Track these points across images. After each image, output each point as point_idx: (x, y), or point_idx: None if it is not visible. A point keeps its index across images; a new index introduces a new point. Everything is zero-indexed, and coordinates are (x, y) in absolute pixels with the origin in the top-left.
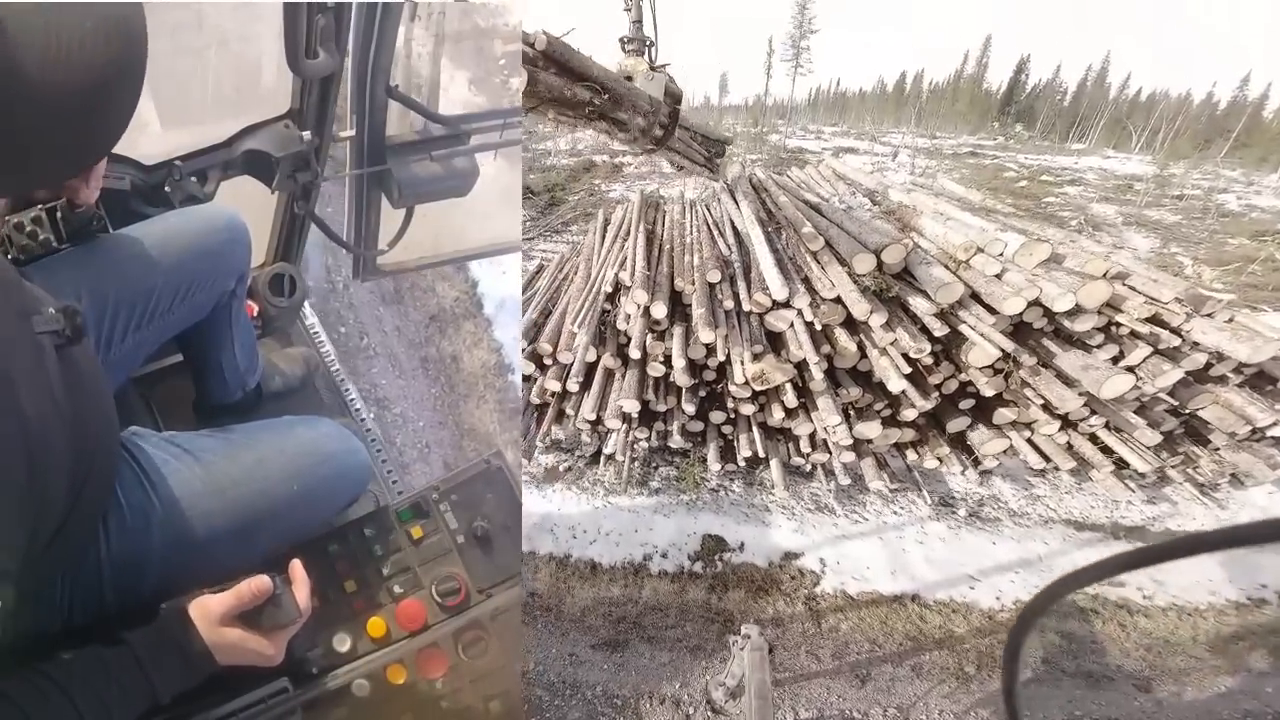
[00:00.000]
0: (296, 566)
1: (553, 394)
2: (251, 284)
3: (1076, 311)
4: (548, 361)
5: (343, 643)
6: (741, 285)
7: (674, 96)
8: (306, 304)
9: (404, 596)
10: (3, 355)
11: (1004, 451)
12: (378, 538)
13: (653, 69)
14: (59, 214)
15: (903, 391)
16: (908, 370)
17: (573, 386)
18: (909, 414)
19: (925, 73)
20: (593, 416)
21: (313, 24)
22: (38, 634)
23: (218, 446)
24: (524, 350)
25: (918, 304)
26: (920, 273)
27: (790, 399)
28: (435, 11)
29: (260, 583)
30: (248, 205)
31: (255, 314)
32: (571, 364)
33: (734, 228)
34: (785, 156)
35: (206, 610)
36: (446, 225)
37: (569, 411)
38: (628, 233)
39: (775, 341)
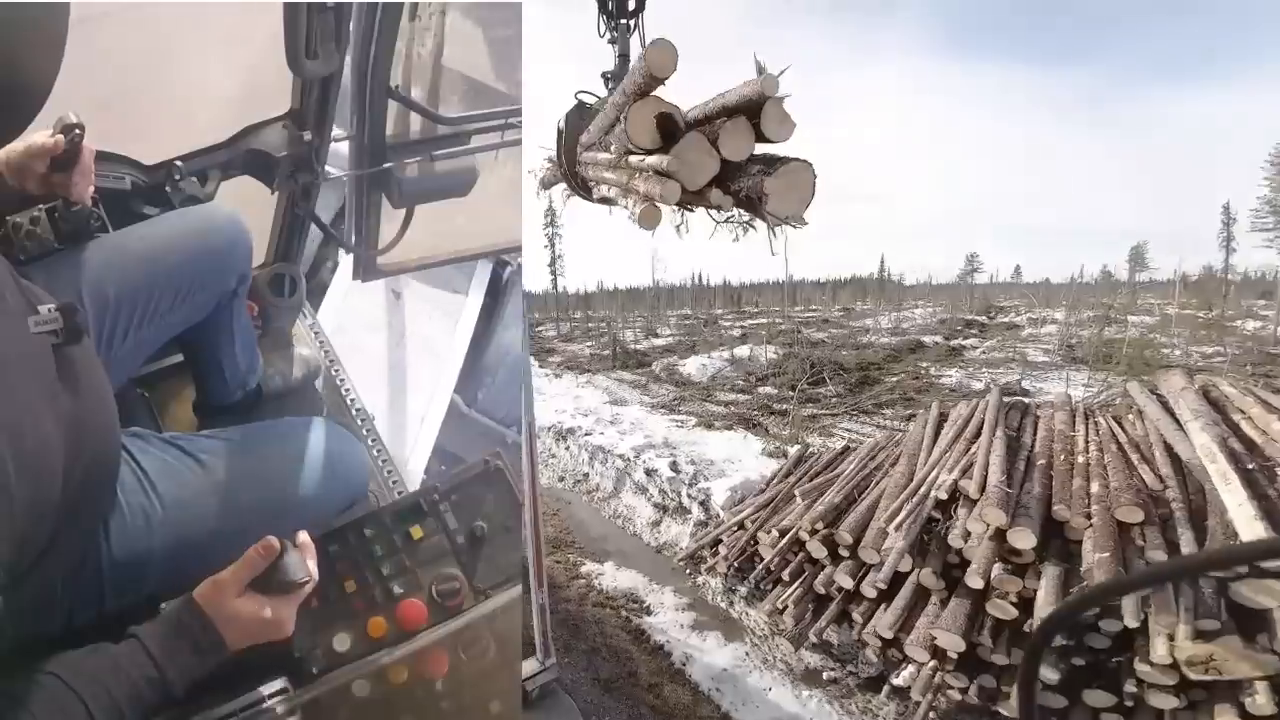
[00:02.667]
0: (302, 534)
1: (839, 588)
2: (252, 284)
3: None
4: (843, 552)
5: (343, 643)
6: (1186, 534)
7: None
8: (306, 304)
9: (404, 597)
10: None
11: None
12: (378, 538)
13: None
14: (57, 214)
15: None
16: None
17: (869, 591)
18: None
19: None
20: (889, 635)
21: (313, 24)
22: (39, 635)
23: (218, 448)
24: (819, 532)
25: None
26: None
27: (1263, 702)
28: (435, 11)
29: (267, 543)
30: (248, 205)
31: (255, 314)
32: (874, 567)
33: (1169, 453)
34: (1277, 353)
35: (219, 585)
36: (446, 225)
37: (856, 616)
38: (976, 433)
39: (1245, 620)
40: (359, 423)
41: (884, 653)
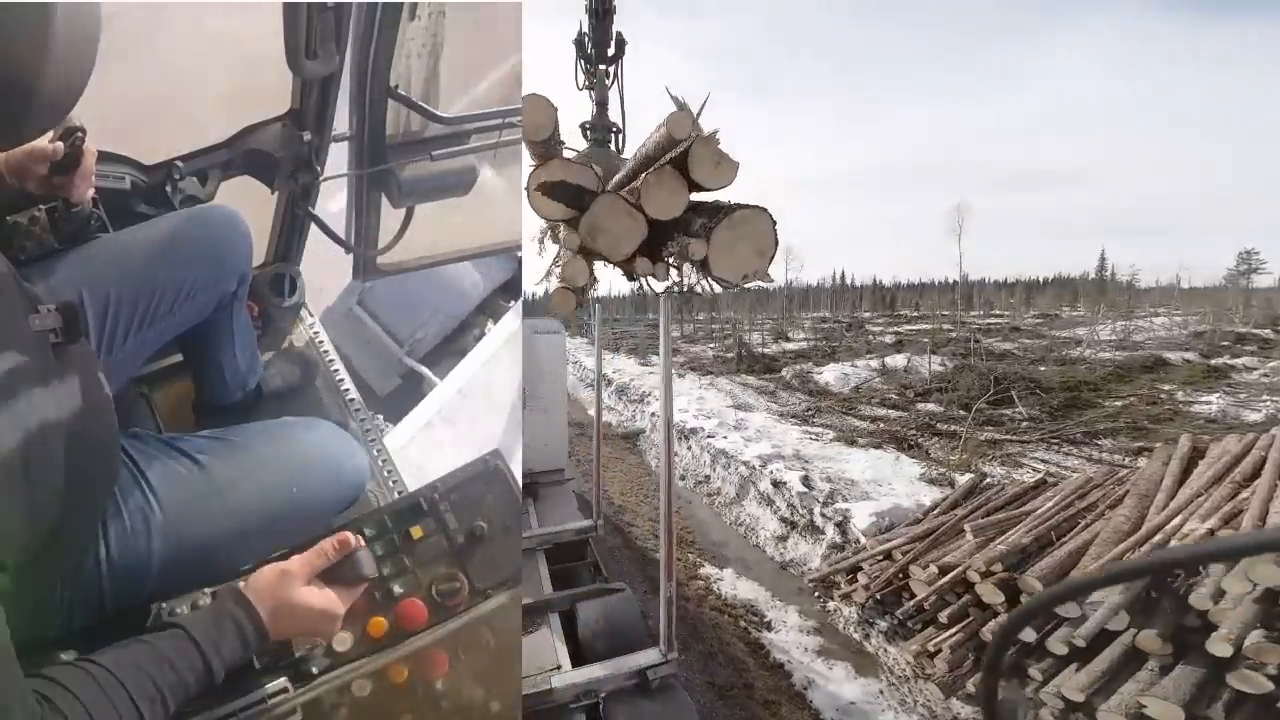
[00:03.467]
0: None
1: (1025, 643)
2: (252, 284)
3: None
4: (1025, 599)
5: (343, 643)
6: None
7: None
8: (306, 304)
9: (404, 596)
10: None
11: None
12: (377, 538)
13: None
14: (57, 213)
15: None
16: None
17: (1059, 647)
18: None
19: None
20: (1079, 698)
21: (313, 24)
22: (38, 638)
23: (217, 449)
24: (995, 575)
25: None
26: None
27: None
28: (435, 11)
29: (343, 537)
30: (248, 205)
31: (255, 314)
32: (1069, 621)
33: None
34: None
35: (287, 573)
36: (446, 225)
37: (1034, 673)
38: (1252, 475)
39: None
40: (358, 423)
41: (1065, 716)
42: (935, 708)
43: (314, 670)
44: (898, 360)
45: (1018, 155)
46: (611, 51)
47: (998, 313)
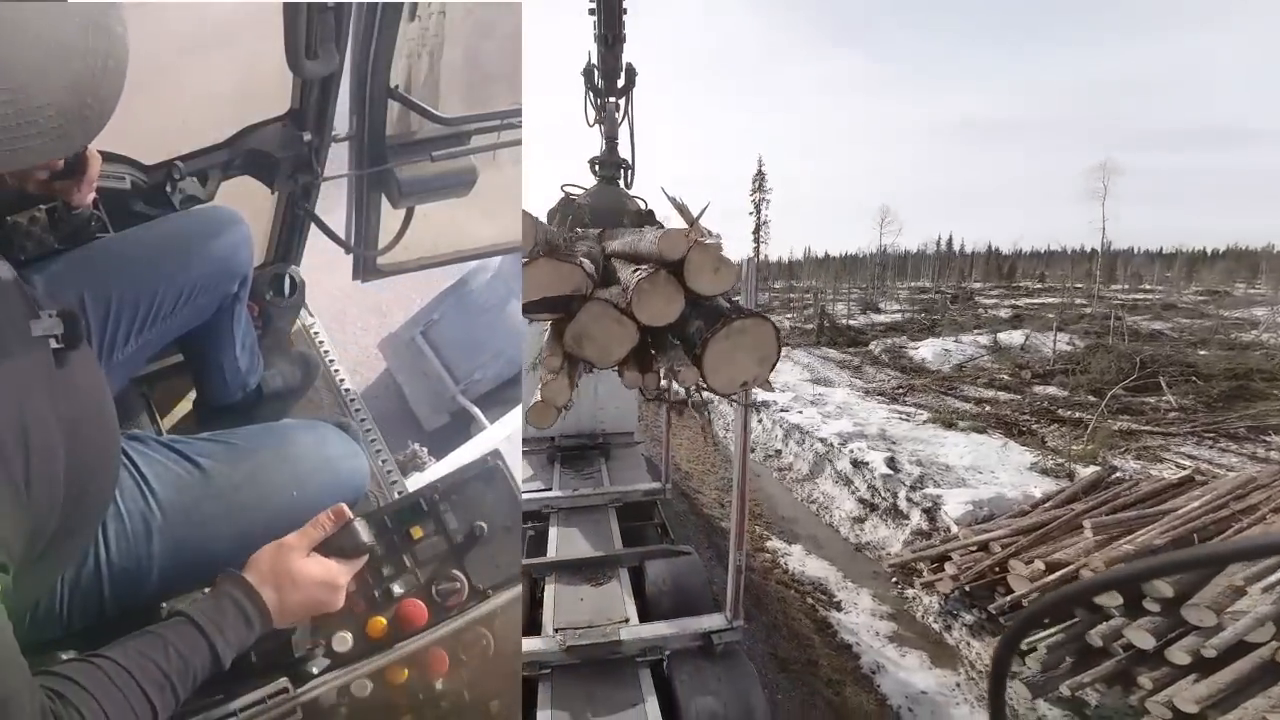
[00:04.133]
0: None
1: (1128, 646)
2: (252, 284)
3: None
4: (1150, 605)
5: (343, 643)
6: None
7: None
8: (306, 304)
9: (404, 597)
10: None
11: None
12: (377, 538)
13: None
14: (57, 214)
15: None
16: None
17: (1181, 657)
18: None
19: None
20: (1194, 709)
21: (313, 24)
22: (39, 640)
23: (217, 452)
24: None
25: None
26: None
27: None
28: (435, 11)
29: (339, 509)
30: (248, 205)
31: (255, 314)
32: (1200, 630)
33: None
34: None
35: (285, 547)
36: (446, 225)
37: (1144, 680)
38: None
39: None
40: (358, 423)
41: None
42: (1018, 706)
43: (314, 670)
44: (1013, 337)
45: (1178, 110)
46: (621, 83)
47: (1148, 287)
